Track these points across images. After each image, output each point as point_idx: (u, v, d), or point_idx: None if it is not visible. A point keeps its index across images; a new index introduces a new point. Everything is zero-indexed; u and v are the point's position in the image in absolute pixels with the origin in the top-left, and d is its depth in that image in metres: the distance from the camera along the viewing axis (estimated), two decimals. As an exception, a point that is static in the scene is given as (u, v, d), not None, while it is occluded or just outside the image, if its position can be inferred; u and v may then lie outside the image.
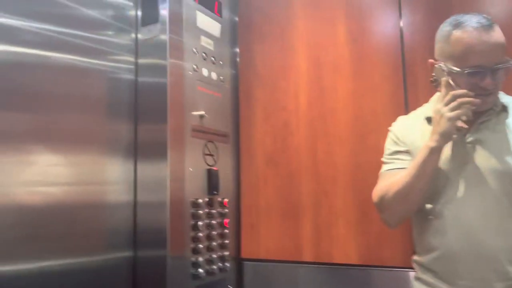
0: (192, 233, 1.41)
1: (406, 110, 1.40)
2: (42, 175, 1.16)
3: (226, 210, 1.56)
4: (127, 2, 1.48)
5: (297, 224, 1.56)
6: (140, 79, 1.46)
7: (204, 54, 1.55)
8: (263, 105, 1.68)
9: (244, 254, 1.63)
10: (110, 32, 1.41)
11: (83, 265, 1.25)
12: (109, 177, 1.36)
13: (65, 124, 1.24)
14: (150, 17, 1.45)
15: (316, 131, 1.57)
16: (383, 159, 1.19)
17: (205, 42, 1.57)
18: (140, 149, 1.43)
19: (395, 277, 1.40)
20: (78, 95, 1.29)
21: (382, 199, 1.11)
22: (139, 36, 1.47)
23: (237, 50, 1.75)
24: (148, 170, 1.40)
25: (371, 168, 1.44)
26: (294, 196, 1.57)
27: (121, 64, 1.43)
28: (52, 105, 1.21)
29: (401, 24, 1.48)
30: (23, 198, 1.11)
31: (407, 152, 1.14)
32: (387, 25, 1.51)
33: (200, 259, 1.42)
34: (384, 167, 1.18)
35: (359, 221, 1.46)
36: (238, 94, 1.72)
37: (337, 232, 1.49)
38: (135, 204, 1.40)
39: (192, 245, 1.41)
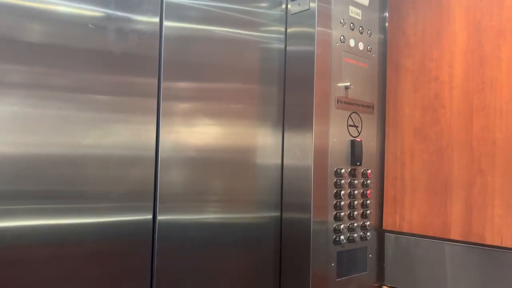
0: (334, 201, 1.46)
1: None
2: (201, 139, 1.32)
3: (369, 181, 1.57)
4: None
5: (445, 201, 1.49)
6: (289, 48, 1.52)
7: (351, 24, 1.54)
8: (412, 75, 1.61)
9: (386, 226, 1.63)
10: (263, 4, 1.49)
11: (238, 219, 1.40)
12: (261, 142, 1.47)
13: (223, 93, 1.37)
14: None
15: (472, 104, 1.45)
16: None
17: (353, 11, 1.55)
18: (287, 117, 1.50)
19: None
20: (235, 65, 1.41)
21: None
22: (289, 6, 1.52)
23: (386, 14, 1.69)
24: (294, 138, 1.48)
25: (538, 145, 1.30)
26: (444, 172, 1.50)
27: (272, 34, 1.51)
28: (213, 75, 1.35)
29: None
30: (188, 156, 1.28)
31: None
32: None
33: (342, 226, 1.47)
34: None
35: (520, 203, 1.33)
36: (385, 64, 1.68)
37: (492, 213, 1.38)
38: (282, 168, 1.50)
39: (334, 212, 1.46)
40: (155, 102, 1.21)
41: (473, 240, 1.42)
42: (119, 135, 1.15)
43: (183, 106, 1.28)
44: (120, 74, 1.15)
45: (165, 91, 1.23)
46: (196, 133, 1.30)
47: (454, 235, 1.46)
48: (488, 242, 1.39)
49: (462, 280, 1.44)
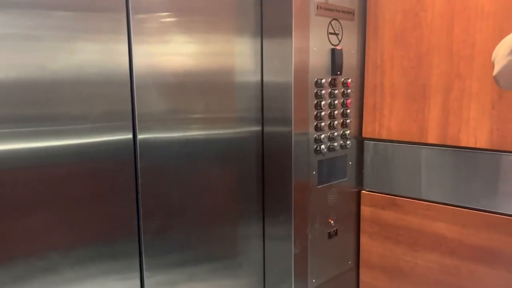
0: (315, 112, 1.47)
1: None
2: (176, 54, 1.27)
3: (349, 91, 1.57)
4: None
5: (423, 107, 1.51)
6: (265, -46, 1.41)
7: None
8: (394, -23, 1.53)
9: (365, 134, 1.66)
10: None
11: (220, 135, 1.41)
12: (239, 55, 1.43)
13: (197, 4, 1.29)
14: None
15: (454, 6, 1.41)
16: None
17: None
18: (265, 27, 1.44)
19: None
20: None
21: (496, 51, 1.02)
22: None
23: None
24: (274, 49, 1.44)
25: (518, 47, 1.29)
26: (423, 78, 1.50)
27: None
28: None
29: None
30: (163, 73, 1.24)
31: None
32: None
33: (322, 136, 1.49)
34: None
35: (496, 105, 1.36)
36: (366, -34, 1.59)
37: (468, 116, 1.41)
38: (262, 81, 1.47)
39: (315, 123, 1.47)
40: (125, 16, 1.14)
41: (449, 143, 1.47)
42: (90, 53, 1.09)
43: (155, 19, 1.21)
44: (83, -15, 1.07)
45: (134, 4, 1.15)
46: (170, 48, 1.25)
47: (431, 139, 1.50)
48: (463, 144, 1.44)
49: (436, 181, 1.52)
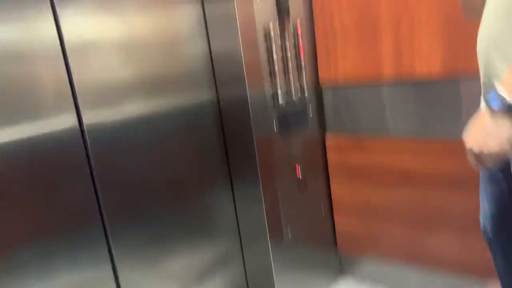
0: (268, 68, 1.42)
1: None
2: (112, 25, 1.19)
3: (300, 39, 1.51)
4: None
5: (375, 42, 1.47)
6: None
7: None
8: None
9: (322, 81, 1.63)
10: None
11: (173, 107, 1.35)
12: (181, 21, 1.35)
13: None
14: None
15: None
16: None
17: None
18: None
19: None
20: None
21: None
22: None
23: None
24: (216, 8, 1.36)
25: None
26: (371, 13, 1.45)
27: None
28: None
29: None
30: (100, 47, 1.16)
31: None
32: None
33: (279, 91, 1.45)
34: None
35: (445, 32, 1.34)
36: None
37: (419, 44, 1.39)
38: (209, 47, 1.41)
39: (269, 78, 1.42)
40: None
41: (404, 75, 1.44)
42: (11, 31, 1.00)
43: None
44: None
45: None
46: (104, 19, 1.16)
47: (386, 74, 1.48)
48: (418, 75, 1.42)
49: (399, 117, 1.51)
